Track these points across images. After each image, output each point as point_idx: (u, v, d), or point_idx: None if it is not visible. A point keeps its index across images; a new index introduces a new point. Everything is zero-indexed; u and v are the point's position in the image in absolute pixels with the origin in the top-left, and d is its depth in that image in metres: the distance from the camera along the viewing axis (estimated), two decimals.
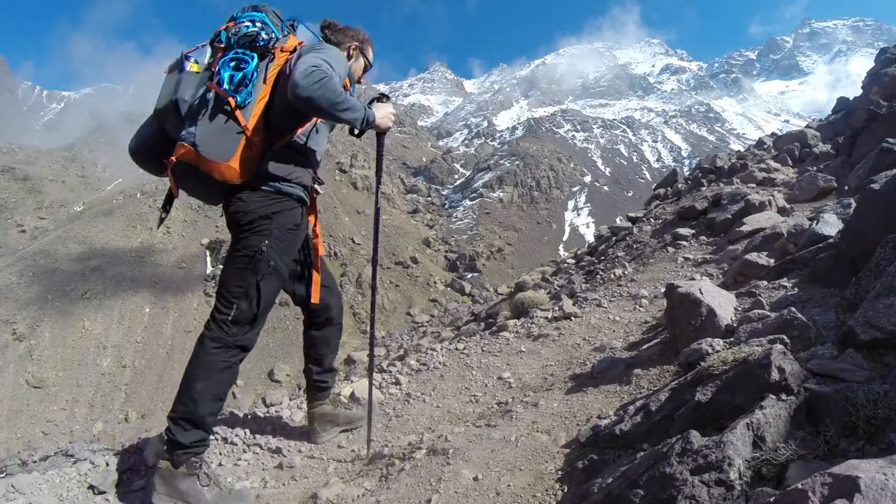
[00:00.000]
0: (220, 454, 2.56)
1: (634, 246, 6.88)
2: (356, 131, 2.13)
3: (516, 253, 61.50)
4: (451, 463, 2.04)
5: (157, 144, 2.08)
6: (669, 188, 11.03)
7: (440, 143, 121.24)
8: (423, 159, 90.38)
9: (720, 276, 4.32)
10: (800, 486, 1.06)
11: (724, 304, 2.74)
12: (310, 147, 2.20)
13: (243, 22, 2.09)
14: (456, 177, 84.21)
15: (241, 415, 3.05)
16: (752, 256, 3.90)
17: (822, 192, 6.15)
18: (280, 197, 2.09)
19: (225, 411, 2.87)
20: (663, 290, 3.38)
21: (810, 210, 5.48)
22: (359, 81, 2.42)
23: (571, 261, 10.60)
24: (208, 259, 51.48)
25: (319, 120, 2.21)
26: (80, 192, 71.09)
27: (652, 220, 8.02)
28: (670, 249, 5.92)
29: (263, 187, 2.07)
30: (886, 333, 1.63)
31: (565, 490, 1.77)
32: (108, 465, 2.37)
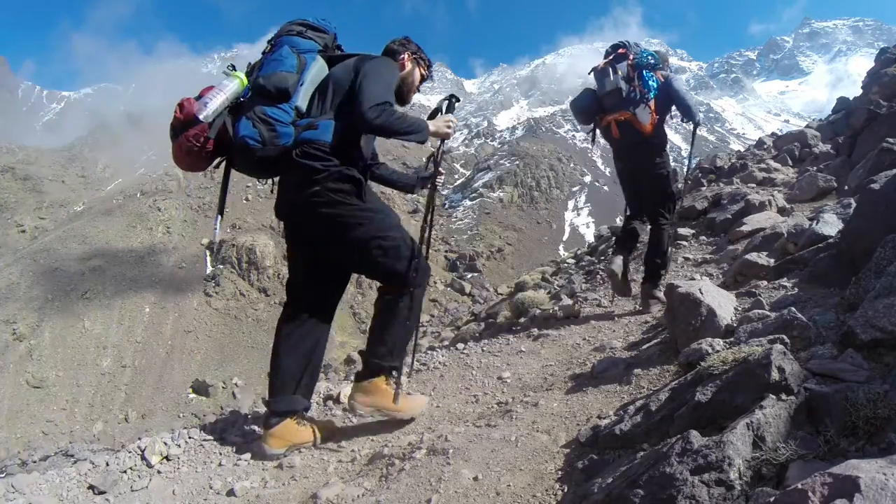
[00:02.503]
0: (220, 454, 2.56)
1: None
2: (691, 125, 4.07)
3: (516, 253, 61.51)
4: (451, 463, 2.04)
5: (591, 108, 4.03)
6: None
7: None
8: (423, 159, 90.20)
9: (720, 276, 4.31)
10: (800, 486, 1.06)
11: (724, 304, 2.73)
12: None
13: (645, 55, 3.89)
14: (456, 177, 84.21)
15: (241, 415, 3.05)
16: (752, 256, 3.89)
17: (822, 192, 6.15)
18: (663, 147, 4.09)
19: (225, 411, 2.87)
20: (663, 289, 3.38)
21: (810, 210, 5.48)
22: None
23: (571, 261, 10.60)
24: (208, 259, 51.44)
25: None
26: (81, 191, 71.13)
27: None
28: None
29: (656, 142, 4.00)
30: (886, 333, 1.63)
31: (565, 490, 1.77)
32: (108, 464, 2.37)
